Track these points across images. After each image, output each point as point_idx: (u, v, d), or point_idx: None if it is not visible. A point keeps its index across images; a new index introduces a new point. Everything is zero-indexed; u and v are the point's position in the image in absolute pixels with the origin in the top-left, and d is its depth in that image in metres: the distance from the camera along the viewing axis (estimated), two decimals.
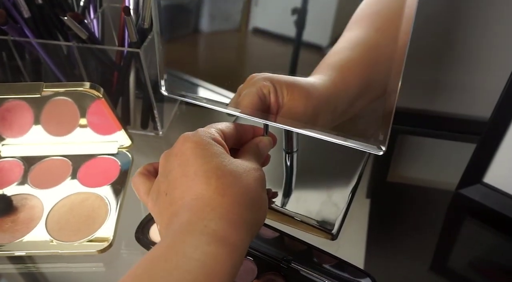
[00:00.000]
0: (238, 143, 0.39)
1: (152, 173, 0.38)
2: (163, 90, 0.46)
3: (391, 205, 0.55)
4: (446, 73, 0.60)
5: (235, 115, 0.44)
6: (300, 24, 0.39)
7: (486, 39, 0.55)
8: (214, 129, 0.36)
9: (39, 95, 0.46)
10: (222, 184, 0.31)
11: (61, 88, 0.47)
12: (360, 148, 0.40)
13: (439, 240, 0.51)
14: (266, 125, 0.42)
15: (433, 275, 0.48)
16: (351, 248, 0.49)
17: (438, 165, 0.58)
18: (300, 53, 0.40)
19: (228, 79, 0.44)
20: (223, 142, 0.35)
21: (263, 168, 0.37)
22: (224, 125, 0.38)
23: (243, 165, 0.34)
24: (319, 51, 0.39)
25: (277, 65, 0.41)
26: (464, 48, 0.57)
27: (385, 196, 0.56)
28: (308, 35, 0.39)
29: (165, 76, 0.46)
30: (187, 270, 0.28)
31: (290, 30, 0.39)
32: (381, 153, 0.39)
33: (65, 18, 0.49)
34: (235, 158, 0.35)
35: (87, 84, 0.47)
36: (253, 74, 0.40)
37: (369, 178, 0.58)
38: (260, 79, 0.39)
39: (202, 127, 0.37)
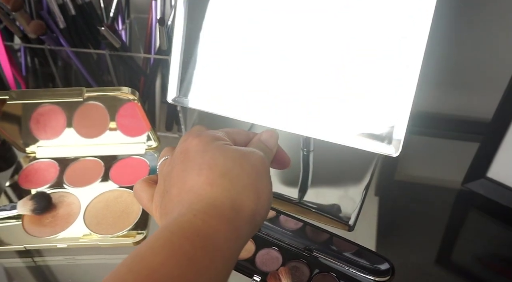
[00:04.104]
0: None
1: (155, 181, 0.36)
2: (169, 99, 0.50)
3: (399, 201, 0.59)
4: (449, 78, 0.65)
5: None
6: None
7: (488, 50, 0.60)
8: (222, 131, 0.36)
9: (81, 99, 0.50)
10: (212, 173, 0.30)
11: (102, 92, 0.51)
12: (375, 150, 0.43)
13: (446, 233, 0.55)
14: None
15: (440, 266, 0.52)
16: (361, 243, 0.53)
17: (442, 163, 0.62)
18: None
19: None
20: (227, 139, 0.34)
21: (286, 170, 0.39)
22: (236, 130, 0.37)
23: (240, 150, 0.32)
24: None
25: None
26: (468, 57, 0.62)
27: (393, 193, 0.60)
28: None
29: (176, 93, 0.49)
30: (176, 265, 0.25)
31: None
32: (395, 155, 0.42)
33: (102, 28, 0.53)
34: None
35: (125, 88, 0.51)
36: None
37: (377, 176, 0.61)
38: None
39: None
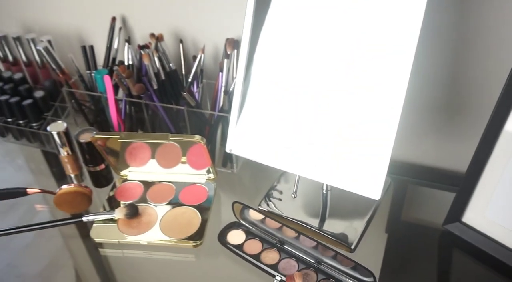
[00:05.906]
0: None
1: None
2: (228, 150, 0.71)
3: (402, 237, 0.75)
4: (434, 139, 0.82)
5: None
6: None
7: (464, 114, 0.78)
8: None
9: (167, 142, 0.72)
10: None
11: (181, 138, 0.73)
12: (362, 194, 0.61)
13: (437, 269, 0.70)
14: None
15: None
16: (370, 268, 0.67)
17: (430, 207, 0.79)
18: None
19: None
20: None
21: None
22: None
23: None
24: None
25: None
26: (447, 124, 0.80)
27: (399, 231, 0.76)
28: None
29: (232, 146, 0.70)
30: None
31: None
32: (377, 199, 0.60)
33: (184, 93, 0.76)
34: None
35: (197, 136, 0.73)
36: None
37: (388, 216, 0.78)
38: None
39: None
